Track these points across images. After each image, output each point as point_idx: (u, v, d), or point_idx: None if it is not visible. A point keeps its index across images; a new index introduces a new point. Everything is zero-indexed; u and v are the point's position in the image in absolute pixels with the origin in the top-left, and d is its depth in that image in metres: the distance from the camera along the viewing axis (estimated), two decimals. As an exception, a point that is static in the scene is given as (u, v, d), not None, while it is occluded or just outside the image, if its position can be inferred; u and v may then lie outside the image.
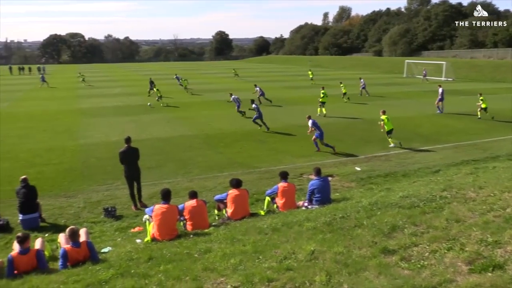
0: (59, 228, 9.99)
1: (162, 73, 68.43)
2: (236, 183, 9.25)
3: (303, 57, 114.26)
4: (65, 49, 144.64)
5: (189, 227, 8.57)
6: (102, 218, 10.83)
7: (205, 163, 15.64)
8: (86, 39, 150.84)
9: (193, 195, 8.80)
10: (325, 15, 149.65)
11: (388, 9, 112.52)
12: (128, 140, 11.88)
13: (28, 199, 10.35)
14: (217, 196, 9.89)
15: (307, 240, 6.31)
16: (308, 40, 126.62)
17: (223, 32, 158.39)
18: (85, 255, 7.02)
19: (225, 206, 9.34)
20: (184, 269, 5.78)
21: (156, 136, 20.24)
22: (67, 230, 7.21)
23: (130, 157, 11.74)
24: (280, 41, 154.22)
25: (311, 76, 50.76)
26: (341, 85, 33.19)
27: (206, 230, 8.26)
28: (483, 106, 24.27)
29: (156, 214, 8.06)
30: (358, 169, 14.65)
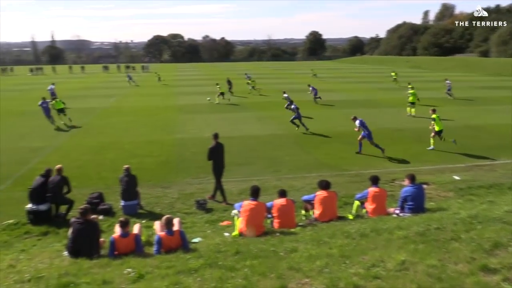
0: (155, 216, 10.68)
1: (255, 73, 69.89)
2: (325, 185, 9.12)
3: (399, 57, 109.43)
4: (166, 49, 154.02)
5: (276, 225, 8.64)
6: (194, 210, 11.37)
7: (294, 163, 15.66)
8: (186, 39, 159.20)
9: (282, 193, 8.85)
10: (426, 13, 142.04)
11: (497, 5, 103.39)
12: (216, 136, 12.33)
13: (130, 187, 11.21)
14: (305, 197, 9.84)
15: (397, 249, 6.02)
16: (406, 40, 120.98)
17: (317, 32, 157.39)
18: (177, 243, 7.40)
19: (313, 207, 9.25)
20: (269, 266, 5.83)
21: (246, 134, 20.73)
22: (163, 218, 7.65)
23: (218, 153, 12.17)
24: (375, 41, 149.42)
25: (394, 77, 48.44)
26: (409, 85, 31.11)
27: (292, 230, 8.26)
28: None
29: (244, 210, 8.24)
30: (457, 178, 13.64)
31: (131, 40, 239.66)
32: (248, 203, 8.30)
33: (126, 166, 11.75)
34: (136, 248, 7.50)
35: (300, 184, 13.19)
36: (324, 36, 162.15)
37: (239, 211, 8.55)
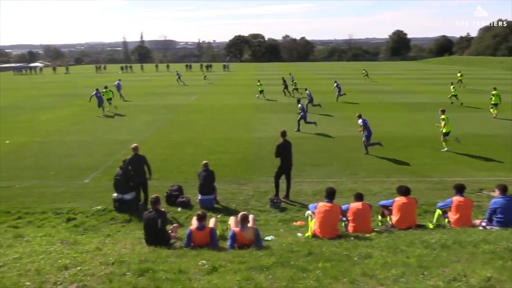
0: (230, 211, 10.95)
1: (334, 73, 68.83)
2: (405, 191, 8.72)
3: (492, 58, 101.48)
4: (247, 48, 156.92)
5: (350, 229, 8.44)
6: (268, 208, 11.46)
7: (372, 166, 15.19)
8: (266, 39, 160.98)
9: (359, 197, 8.62)
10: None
11: None
12: (284, 134, 12.34)
13: (207, 182, 11.60)
14: (383, 202, 9.49)
15: (482, 264, 5.60)
16: (501, 39, 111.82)
17: (401, 32, 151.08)
18: (250, 240, 7.50)
19: (390, 213, 8.90)
20: (342, 270, 5.71)
21: (323, 134, 20.49)
22: (239, 215, 7.80)
23: (285, 151, 12.18)
24: (465, 40, 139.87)
25: (460, 78, 44.90)
26: (452, 85, 31.55)
27: (367, 235, 8.01)
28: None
29: (319, 211, 8.15)
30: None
31: (213, 40, 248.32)
32: (322, 205, 8.19)
33: (205, 161, 12.17)
34: (211, 241, 7.72)
35: (377, 188, 12.75)
36: (409, 36, 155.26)
37: (313, 212, 8.48)
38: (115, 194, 11.49)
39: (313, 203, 9.09)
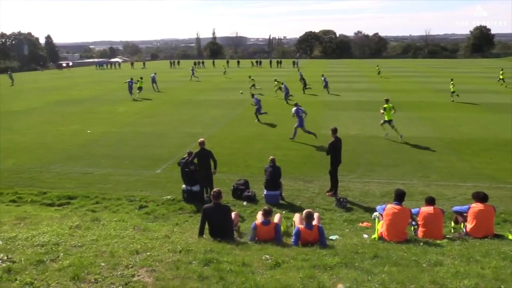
0: (295, 208, 10.95)
1: (409, 70, 66.04)
2: (482, 197, 8.19)
3: None
4: (317, 45, 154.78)
5: (420, 234, 8.09)
6: (333, 207, 11.30)
7: (446, 169, 14.40)
8: (337, 35, 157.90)
9: (430, 201, 8.24)
10: None
11: None
12: (335, 131, 12.35)
13: (273, 177, 11.66)
14: (457, 208, 8.98)
15: None
16: None
17: (484, 27, 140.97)
18: (314, 238, 7.45)
19: (464, 220, 8.40)
20: (409, 276, 5.50)
21: (395, 134, 19.75)
22: (304, 212, 7.73)
23: (337, 148, 12.18)
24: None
25: (501, 77, 40.95)
26: (451, 82, 31.64)
27: (438, 241, 7.63)
28: None
29: (387, 214, 7.89)
30: None
31: (284, 37, 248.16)
32: (391, 207, 7.92)
33: (272, 157, 12.24)
34: (275, 236, 7.77)
35: (451, 193, 12.08)
36: (493, 31, 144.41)
37: (380, 214, 8.23)
38: (184, 186, 11.94)
39: (381, 204, 8.83)
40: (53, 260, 6.13)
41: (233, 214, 8.46)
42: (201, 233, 7.87)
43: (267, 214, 7.90)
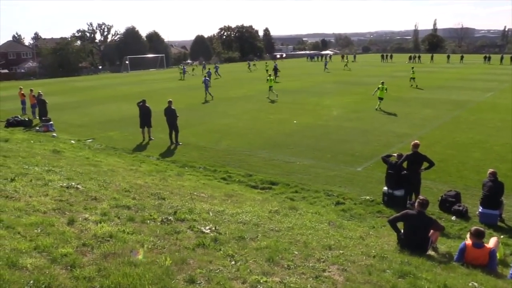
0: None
1: None
2: None
3: None
4: None
5: None
6: None
7: None
8: None
9: None
10: None
11: None
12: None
13: (493, 194, 9.99)
14: None
15: None
16: None
17: None
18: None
19: None
20: None
21: None
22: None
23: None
24: None
25: None
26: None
27: None
28: None
29: None
30: None
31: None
32: None
33: (492, 170, 10.47)
34: (488, 263, 6.81)
35: None
36: None
37: None
38: (385, 188, 11.34)
39: None
40: (252, 239, 6.59)
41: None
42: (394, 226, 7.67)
43: (479, 235, 6.94)
